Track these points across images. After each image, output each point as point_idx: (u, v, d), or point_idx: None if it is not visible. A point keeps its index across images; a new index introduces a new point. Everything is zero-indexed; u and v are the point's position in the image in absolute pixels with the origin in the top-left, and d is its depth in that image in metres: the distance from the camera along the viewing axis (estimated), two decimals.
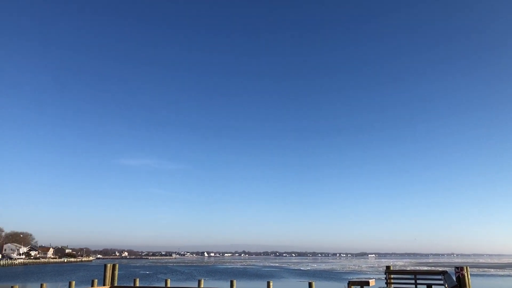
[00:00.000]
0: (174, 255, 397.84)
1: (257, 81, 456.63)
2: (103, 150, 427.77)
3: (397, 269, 25.10)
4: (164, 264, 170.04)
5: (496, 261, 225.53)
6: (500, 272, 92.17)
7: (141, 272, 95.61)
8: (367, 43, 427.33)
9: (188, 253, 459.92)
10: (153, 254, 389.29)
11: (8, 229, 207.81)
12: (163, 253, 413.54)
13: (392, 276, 23.57)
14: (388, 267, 23.97)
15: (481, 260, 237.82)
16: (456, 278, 17.03)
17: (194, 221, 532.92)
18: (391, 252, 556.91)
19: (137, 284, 29.51)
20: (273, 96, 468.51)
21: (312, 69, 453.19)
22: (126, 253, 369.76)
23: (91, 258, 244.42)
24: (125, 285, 31.41)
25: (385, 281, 23.49)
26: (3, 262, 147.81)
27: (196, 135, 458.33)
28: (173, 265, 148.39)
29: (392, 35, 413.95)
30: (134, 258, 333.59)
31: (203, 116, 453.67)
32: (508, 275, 79.73)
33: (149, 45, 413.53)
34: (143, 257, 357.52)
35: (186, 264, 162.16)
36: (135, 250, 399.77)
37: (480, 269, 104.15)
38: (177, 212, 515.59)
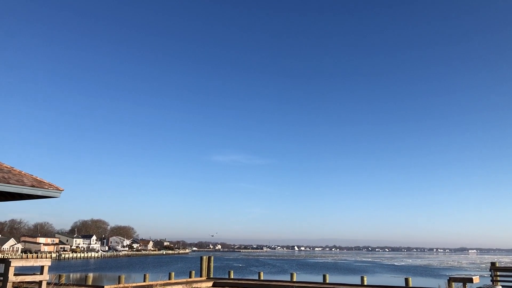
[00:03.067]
0: (265, 249, 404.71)
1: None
2: (196, 148, 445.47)
3: (504, 266, 23.19)
4: (255, 257, 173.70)
5: None
6: None
7: (235, 264, 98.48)
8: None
9: (279, 247, 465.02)
10: (245, 247, 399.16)
11: (112, 223, 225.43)
12: (254, 246, 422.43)
13: (498, 273, 21.88)
14: (493, 264, 22.28)
15: None
16: None
17: (284, 215, 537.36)
18: (494, 248, 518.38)
19: (232, 276, 30.39)
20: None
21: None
22: (219, 246, 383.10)
23: (187, 250, 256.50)
24: (220, 276, 32.51)
25: (491, 278, 21.87)
26: (110, 253, 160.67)
27: (284, 129, 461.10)
28: (264, 258, 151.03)
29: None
30: (227, 250, 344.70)
31: (290, 113, 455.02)
32: None
33: (236, 48, 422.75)
34: (236, 249, 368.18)
35: (277, 258, 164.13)
36: (227, 243, 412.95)
37: None
38: (267, 206, 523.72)
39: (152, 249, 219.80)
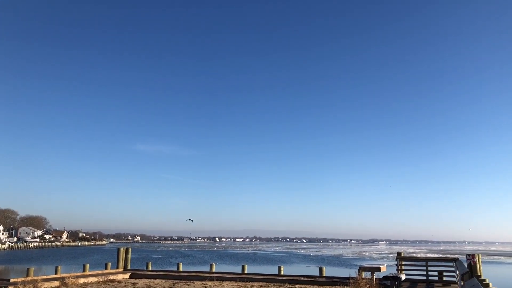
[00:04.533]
0: (185, 240, 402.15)
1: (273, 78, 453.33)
2: (118, 135, 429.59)
3: (408, 256, 25.08)
4: (176, 248, 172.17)
5: (508, 248, 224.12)
6: (510, 260, 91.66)
7: (154, 256, 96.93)
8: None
9: (200, 238, 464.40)
10: (165, 239, 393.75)
11: (23, 213, 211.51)
12: (175, 237, 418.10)
13: (403, 262, 23.60)
14: (399, 254, 23.99)
15: (493, 248, 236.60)
16: (467, 265, 16.98)
17: (206, 207, 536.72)
18: (402, 239, 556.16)
19: (150, 268, 29.93)
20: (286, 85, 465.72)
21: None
22: (138, 238, 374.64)
23: (104, 242, 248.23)
24: (138, 268, 31.87)
25: (396, 267, 23.55)
26: (18, 245, 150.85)
27: (207, 123, 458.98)
28: (185, 250, 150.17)
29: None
30: (146, 242, 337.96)
31: (215, 105, 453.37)
32: None
33: (165, 32, 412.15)
34: (155, 241, 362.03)
35: (197, 249, 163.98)
36: (147, 234, 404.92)
37: (492, 257, 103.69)
38: (188, 198, 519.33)
39: (66, 240, 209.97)
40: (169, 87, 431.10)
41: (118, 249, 28.64)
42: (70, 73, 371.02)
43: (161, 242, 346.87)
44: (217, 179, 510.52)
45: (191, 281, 21.96)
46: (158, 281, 22.19)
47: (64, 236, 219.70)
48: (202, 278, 22.82)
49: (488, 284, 10.55)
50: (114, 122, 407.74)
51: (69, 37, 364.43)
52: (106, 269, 27.57)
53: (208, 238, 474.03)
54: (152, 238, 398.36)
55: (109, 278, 22.20)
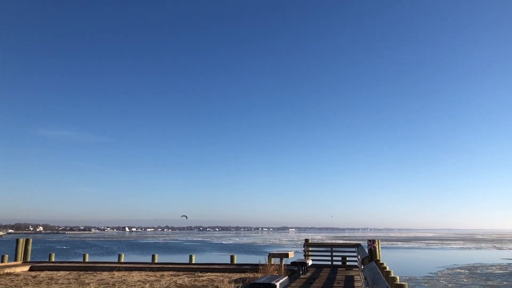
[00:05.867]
0: (93, 230, 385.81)
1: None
2: (17, 119, 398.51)
3: (315, 242, 26.24)
4: (82, 239, 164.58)
5: (404, 235, 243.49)
6: (406, 244, 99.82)
7: (58, 247, 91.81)
8: None
9: (109, 228, 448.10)
10: (71, 229, 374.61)
11: None
12: (82, 228, 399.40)
13: (310, 248, 24.65)
14: (306, 240, 25.01)
15: (391, 234, 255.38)
16: (368, 250, 18.15)
17: (115, 196, 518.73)
18: (310, 227, 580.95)
19: (53, 259, 28.30)
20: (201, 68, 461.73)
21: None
22: (41, 228, 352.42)
23: (1, 233, 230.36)
24: (39, 260, 29.99)
25: (304, 253, 24.54)
26: None
27: (121, 107, 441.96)
28: (92, 240, 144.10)
29: None
30: (50, 233, 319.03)
31: (128, 90, 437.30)
32: (413, 247, 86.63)
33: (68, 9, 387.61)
34: (60, 232, 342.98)
35: (106, 239, 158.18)
36: (51, 224, 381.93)
37: (390, 242, 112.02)
38: (96, 186, 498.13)
39: None
40: (75, 67, 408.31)
41: (17, 240, 26.75)
42: None
43: (67, 232, 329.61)
44: (127, 167, 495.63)
45: (98, 272, 21.14)
46: (61, 273, 21.06)
47: None
48: (110, 269, 22.08)
49: (385, 267, 11.34)
50: (12, 104, 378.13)
51: None
52: (2, 261, 25.60)
53: (118, 228, 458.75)
54: (57, 228, 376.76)
55: (5, 272, 20.63)
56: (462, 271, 37.12)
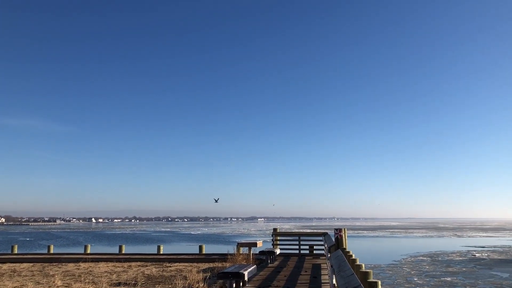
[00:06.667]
0: (58, 221, 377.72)
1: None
2: None
3: (283, 231, 26.55)
4: (47, 230, 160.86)
5: (370, 224, 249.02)
6: (372, 233, 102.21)
7: (21, 238, 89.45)
8: None
9: (74, 219, 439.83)
10: (35, 220, 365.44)
11: None
12: (46, 219, 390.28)
13: (278, 238, 24.91)
14: (275, 230, 25.25)
15: (357, 223, 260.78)
16: (334, 239, 18.47)
17: (81, 186, 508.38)
18: (279, 216, 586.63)
19: (16, 251, 27.60)
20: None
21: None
22: (3, 219, 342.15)
23: None
24: (1, 252, 29.16)
25: (272, 242, 24.78)
26: None
27: (87, 97, 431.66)
28: (57, 231, 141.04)
29: None
30: (12, 224, 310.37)
31: (94, 79, 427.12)
32: (378, 236, 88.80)
33: None
34: (23, 223, 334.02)
35: (71, 230, 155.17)
36: (13, 216, 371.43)
37: (356, 231, 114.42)
38: (62, 177, 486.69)
39: None
40: (39, 54, 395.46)
41: None
42: None
43: (30, 224, 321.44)
44: (93, 157, 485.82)
45: (63, 264, 20.76)
46: (25, 265, 20.56)
47: None
48: (76, 260, 21.73)
49: (351, 255, 11.59)
50: None
51: None
52: None
53: (84, 219, 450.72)
54: (20, 219, 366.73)
55: None
56: (425, 258, 38.33)
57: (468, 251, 47.01)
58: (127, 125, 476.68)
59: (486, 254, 42.34)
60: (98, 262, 21.32)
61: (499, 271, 29.20)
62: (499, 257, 39.12)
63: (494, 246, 54.44)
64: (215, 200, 70.56)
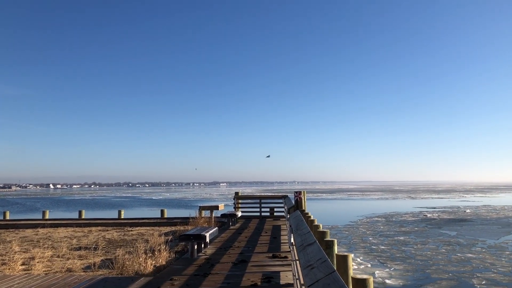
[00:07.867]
0: (14, 188, 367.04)
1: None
2: None
3: (244, 195, 26.99)
4: (2, 197, 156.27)
5: (329, 187, 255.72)
6: (330, 196, 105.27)
7: None
8: None
9: (31, 185, 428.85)
10: None
11: None
12: (1, 185, 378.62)
13: (240, 201, 25.33)
14: (237, 193, 25.64)
15: (317, 187, 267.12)
16: (294, 201, 18.98)
17: (37, 151, 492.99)
18: (241, 181, 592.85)
19: None
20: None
21: None
22: None
23: None
24: None
25: (234, 206, 25.20)
26: None
27: (43, 57, 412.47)
28: (13, 198, 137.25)
29: None
30: None
31: (50, 47, 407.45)
32: (336, 198, 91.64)
33: None
34: None
35: (28, 196, 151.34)
36: None
37: (315, 194, 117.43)
38: (14, 141, 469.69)
39: None
40: None
41: None
42: None
43: None
44: (49, 122, 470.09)
45: (21, 230, 20.42)
46: None
47: None
48: (34, 226, 21.42)
49: (310, 216, 12.03)
50: None
51: None
52: None
53: (41, 185, 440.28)
54: None
55: None
56: (379, 219, 40.01)
57: (420, 211, 49.36)
58: (86, 87, 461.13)
59: (436, 215, 44.62)
60: (57, 227, 21.09)
61: (448, 229, 30.95)
62: (449, 217, 41.34)
63: (444, 207, 57.34)
64: (268, 156, 70.60)
